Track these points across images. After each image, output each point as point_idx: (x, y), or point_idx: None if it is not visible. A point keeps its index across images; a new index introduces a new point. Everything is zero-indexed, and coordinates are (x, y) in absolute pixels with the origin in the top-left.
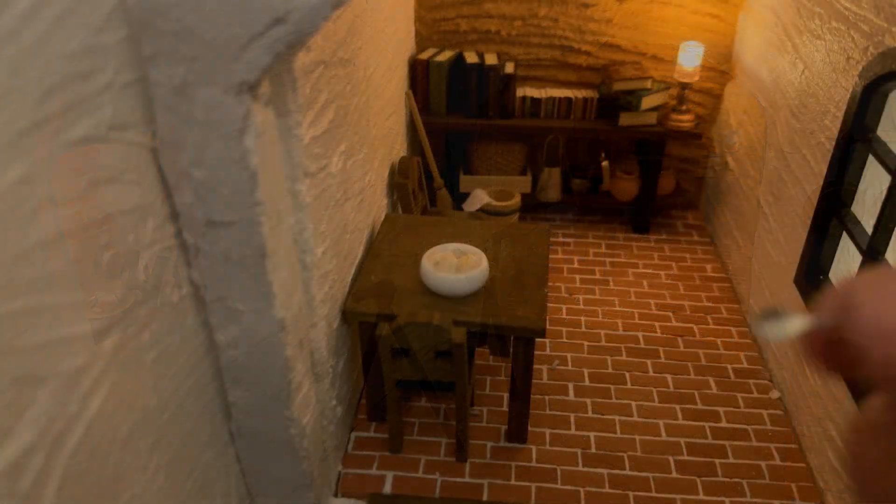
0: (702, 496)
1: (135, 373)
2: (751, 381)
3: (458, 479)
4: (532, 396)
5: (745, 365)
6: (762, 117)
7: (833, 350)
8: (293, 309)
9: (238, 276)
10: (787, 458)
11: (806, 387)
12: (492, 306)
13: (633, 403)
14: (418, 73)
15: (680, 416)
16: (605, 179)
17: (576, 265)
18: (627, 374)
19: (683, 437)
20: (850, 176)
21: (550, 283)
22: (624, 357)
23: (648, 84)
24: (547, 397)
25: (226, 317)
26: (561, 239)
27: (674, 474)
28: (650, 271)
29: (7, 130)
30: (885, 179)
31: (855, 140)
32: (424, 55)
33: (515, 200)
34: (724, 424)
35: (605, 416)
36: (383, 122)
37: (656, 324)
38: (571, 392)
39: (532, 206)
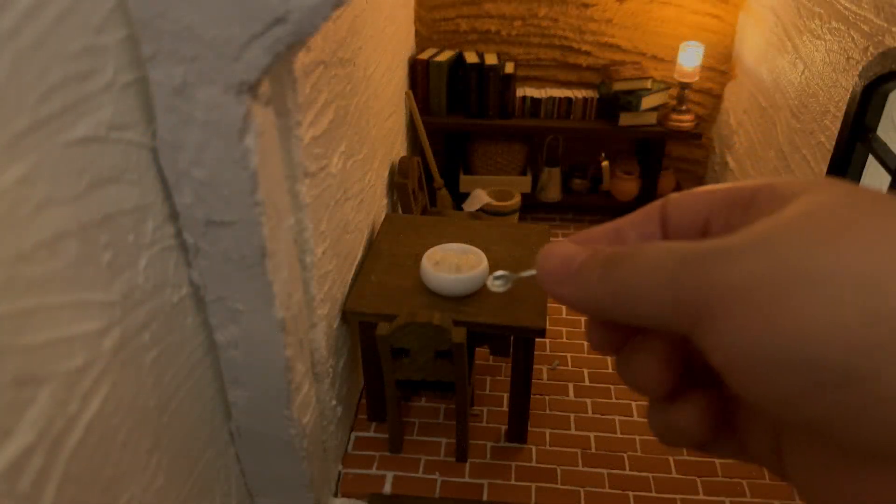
0: (702, 496)
1: (135, 373)
2: None
3: (458, 479)
4: (532, 396)
5: None
6: (762, 117)
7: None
8: (293, 309)
9: (238, 276)
10: None
11: None
12: (492, 306)
13: (633, 403)
14: (418, 73)
15: None
16: (605, 179)
17: None
18: None
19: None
20: (850, 176)
21: None
22: None
23: (648, 84)
24: (547, 397)
25: (226, 317)
26: (561, 239)
27: (674, 474)
28: None
29: (7, 130)
30: (886, 179)
31: (855, 140)
32: (424, 55)
33: (515, 200)
34: None
35: (605, 416)
36: (383, 122)
37: None
38: (571, 392)
39: (532, 206)
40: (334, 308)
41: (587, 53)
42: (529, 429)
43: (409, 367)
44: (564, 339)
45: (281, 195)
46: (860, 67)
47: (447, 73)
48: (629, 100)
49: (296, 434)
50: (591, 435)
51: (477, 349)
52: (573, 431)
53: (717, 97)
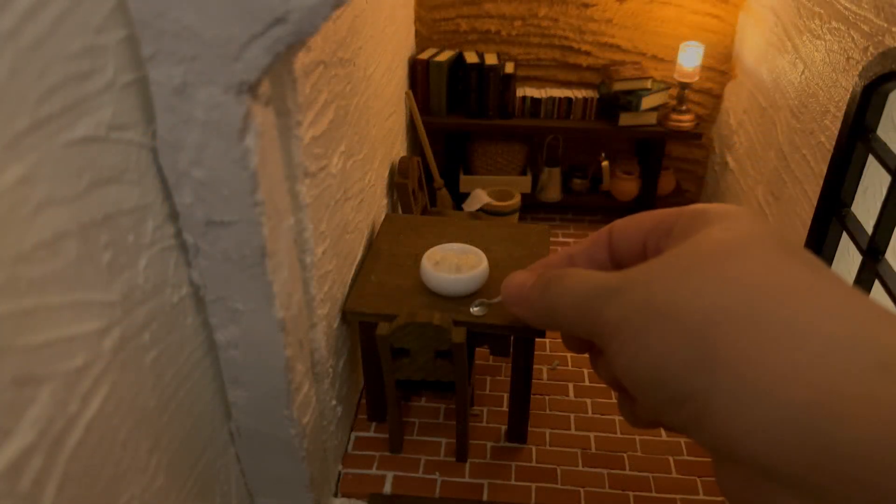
0: (702, 496)
1: (135, 373)
2: None
3: (458, 479)
4: (532, 396)
5: None
6: (762, 117)
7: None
8: (293, 309)
9: (238, 276)
10: None
11: None
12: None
13: None
14: (418, 73)
15: None
16: (605, 179)
17: None
18: None
19: (684, 437)
20: (849, 175)
21: None
22: None
23: (648, 84)
24: (547, 397)
25: (226, 317)
26: (561, 239)
27: (674, 474)
28: None
29: (7, 130)
30: (886, 179)
31: (855, 140)
32: (424, 55)
33: (515, 200)
34: None
35: (605, 416)
36: (383, 122)
37: None
38: (571, 392)
39: (532, 206)
40: (334, 308)
41: (587, 53)
42: (529, 429)
43: (409, 367)
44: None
45: (281, 195)
46: (860, 67)
47: (447, 73)
48: (629, 100)
49: (296, 434)
50: (591, 435)
51: (477, 349)
52: (573, 431)
53: (717, 97)
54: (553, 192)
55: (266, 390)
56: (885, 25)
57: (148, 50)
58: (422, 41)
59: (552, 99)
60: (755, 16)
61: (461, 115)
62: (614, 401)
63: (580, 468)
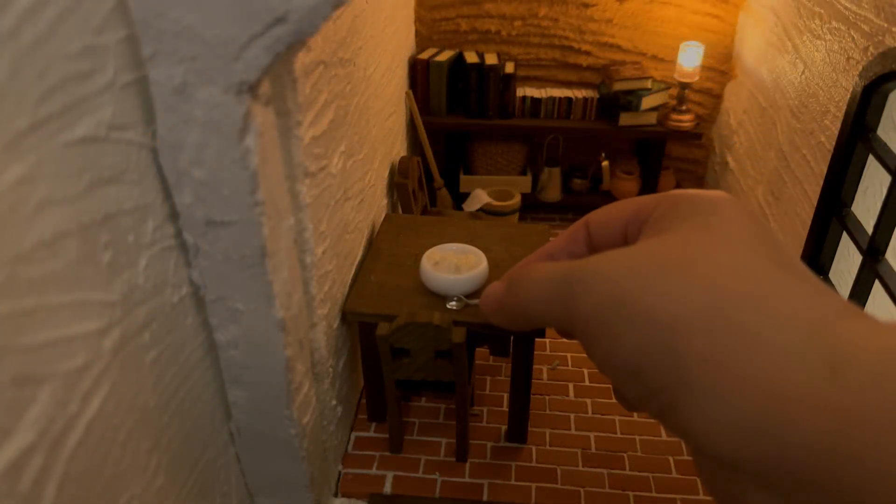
0: (702, 496)
1: (135, 373)
2: None
3: (458, 479)
4: (532, 396)
5: None
6: (762, 117)
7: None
8: (293, 309)
9: (238, 276)
10: None
11: None
12: None
13: None
14: (418, 73)
15: None
16: (605, 179)
17: None
18: None
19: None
20: (850, 176)
21: None
22: None
23: (648, 84)
24: (547, 397)
25: (226, 317)
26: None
27: (674, 474)
28: None
29: (7, 130)
30: (886, 179)
31: (855, 140)
32: (424, 55)
33: (515, 200)
34: None
35: (605, 416)
36: (383, 122)
37: None
38: (571, 392)
39: (532, 206)
40: (334, 308)
41: (587, 53)
42: (529, 429)
43: (409, 367)
44: (564, 339)
45: (281, 195)
46: (860, 67)
47: (447, 73)
48: (629, 100)
49: (296, 434)
50: (591, 435)
51: (477, 349)
52: (573, 431)
53: (717, 97)
54: (553, 192)
55: (266, 390)
56: (886, 25)
57: (148, 50)
58: (422, 41)
59: (552, 99)
60: (755, 16)
61: (461, 115)
62: (614, 401)
63: (580, 468)
